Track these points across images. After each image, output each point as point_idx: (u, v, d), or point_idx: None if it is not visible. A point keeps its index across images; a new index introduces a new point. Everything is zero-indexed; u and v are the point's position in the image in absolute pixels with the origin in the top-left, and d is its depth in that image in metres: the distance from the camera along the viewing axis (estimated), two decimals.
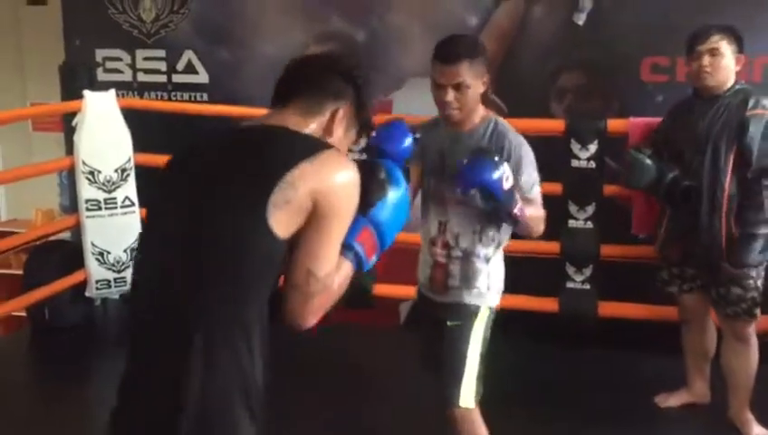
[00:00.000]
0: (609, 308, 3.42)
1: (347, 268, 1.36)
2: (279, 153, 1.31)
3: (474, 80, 2.13)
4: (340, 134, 1.45)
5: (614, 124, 3.37)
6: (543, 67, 3.80)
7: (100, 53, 4.37)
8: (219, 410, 1.26)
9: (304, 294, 1.29)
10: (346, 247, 1.35)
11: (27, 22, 4.70)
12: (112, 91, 3.92)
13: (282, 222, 1.27)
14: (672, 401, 3.06)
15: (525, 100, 3.82)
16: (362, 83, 1.46)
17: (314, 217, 1.29)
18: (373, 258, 1.41)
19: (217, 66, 4.22)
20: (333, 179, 1.30)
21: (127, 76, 4.34)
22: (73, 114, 3.86)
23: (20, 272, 4.10)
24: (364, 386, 3.24)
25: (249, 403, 1.29)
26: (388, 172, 1.45)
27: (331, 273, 1.31)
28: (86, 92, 3.83)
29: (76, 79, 3.98)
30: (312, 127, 1.41)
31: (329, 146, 1.37)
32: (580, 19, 3.68)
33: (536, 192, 2.21)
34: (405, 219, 1.47)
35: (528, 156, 2.19)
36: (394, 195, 1.43)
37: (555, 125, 3.46)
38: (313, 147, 1.33)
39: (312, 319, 1.32)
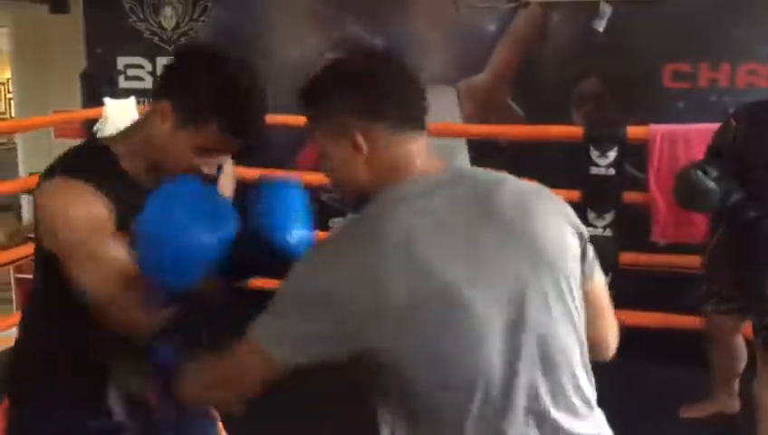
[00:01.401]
0: (627, 317, 3.36)
1: None
2: None
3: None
4: None
5: (634, 131, 3.34)
6: (562, 73, 3.77)
7: (121, 61, 4.41)
8: None
9: None
10: None
11: (50, 30, 4.76)
12: (133, 99, 3.96)
13: None
14: (697, 411, 2.98)
15: (544, 106, 3.79)
16: None
17: None
18: None
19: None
20: None
21: (147, 83, 4.38)
22: (94, 121, 3.90)
23: None
24: None
25: None
26: None
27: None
28: (107, 100, 3.87)
29: (97, 86, 4.03)
30: None
31: None
32: (600, 25, 3.65)
33: None
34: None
35: None
36: None
37: (574, 132, 3.44)
38: None
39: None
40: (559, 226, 1.17)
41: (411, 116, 1.18)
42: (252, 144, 1.37)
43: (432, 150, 1.21)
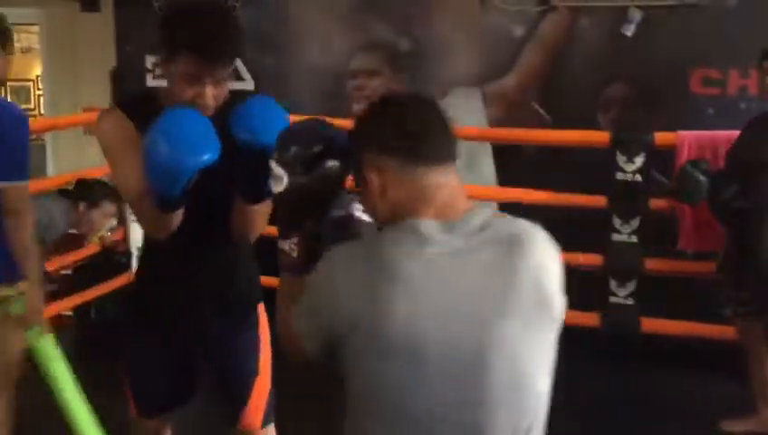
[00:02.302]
0: (652, 324, 3.35)
1: None
2: None
3: None
4: None
5: (662, 137, 3.30)
6: (590, 78, 3.75)
7: (150, 59, 4.45)
8: None
9: None
10: None
11: (81, 28, 4.82)
12: None
13: None
14: (738, 425, 2.90)
15: (571, 111, 3.78)
16: None
17: None
18: None
19: (263, 73, 4.27)
20: None
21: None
22: None
23: (69, 272, 4.20)
24: None
25: None
26: None
27: None
28: None
29: (126, 84, 4.07)
30: None
31: None
32: (629, 30, 3.62)
33: None
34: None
35: None
36: None
37: (601, 137, 3.41)
38: None
39: None
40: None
41: (424, 152, 1.18)
42: (218, 61, 1.57)
43: (462, 190, 1.21)
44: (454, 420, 1.12)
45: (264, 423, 1.92)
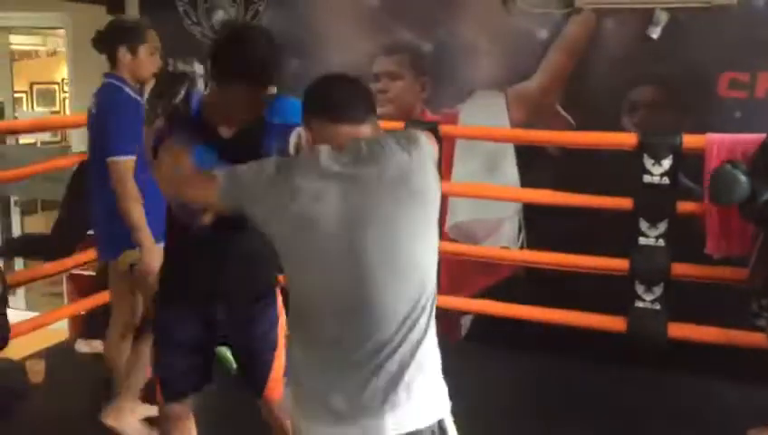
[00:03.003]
0: (680, 330, 3.30)
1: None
2: None
3: None
4: None
5: (690, 140, 3.26)
6: (615, 81, 3.72)
7: (170, 62, 4.49)
8: None
9: None
10: None
11: None
12: None
13: None
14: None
15: (595, 113, 3.75)
16: None
17: None
18: None
19: (287, 76, 4.28)
20: None
21: (200, 85, 4.44)
22: None
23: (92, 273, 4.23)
24: None
25: None
26: None
27: None
28: None
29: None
30: None
31: None
32: (655, 32, 3.59)
33: None
34: None
35: None
36: None
37: (627, 139, 3.38)
38: None
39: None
40: None
41: (337, 114, 1.56)
42: (267, 87, 1.92)
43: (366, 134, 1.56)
44: (340, 291, 1.49)
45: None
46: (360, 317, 1.47)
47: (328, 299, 1.50)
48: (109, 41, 2.81)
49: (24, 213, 5.68)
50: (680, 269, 3.29)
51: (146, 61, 2.81)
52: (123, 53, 2.77)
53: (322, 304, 1.51)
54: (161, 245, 2.33)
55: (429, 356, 1.53)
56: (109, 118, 2.67)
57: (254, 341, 2.08)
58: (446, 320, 3.77)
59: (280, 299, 2.12)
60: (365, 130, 1.56)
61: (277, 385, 2.05)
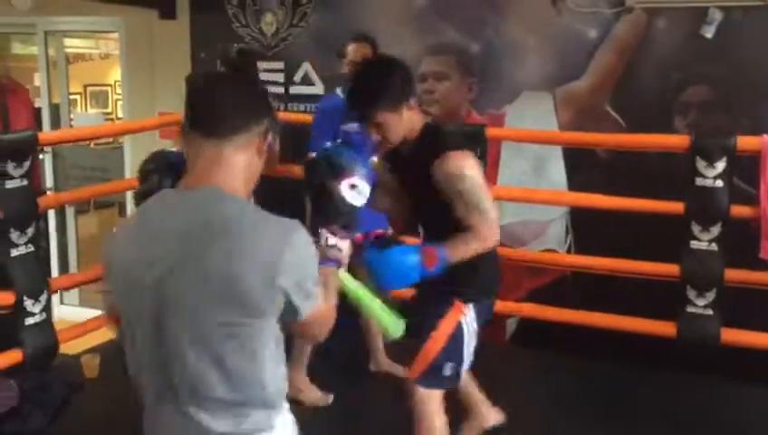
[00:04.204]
0: (733, 335, 3.22)
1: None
2: None
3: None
4: None
5: (745, 142, 3.17)
6: (666, 81, 3.65)
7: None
8: None
9: None
10: None
11: (159, 35, 4.96)
12: None
13: None
14: None
15: (646, 115, 3.69)
16: None
17: None
18: None
19: (332, 77, 4.31)
20: None
21: None
22: None
23: None
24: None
25: None
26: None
27: None
28: None
29: None
30: None
31: None
32: (709, 31, 3.51)
33: None
34: None
35: None
36: None
37: (679, 141, 3.30)
38: None
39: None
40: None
41: (197, 125, 1.35)
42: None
43: (225, 165, 1.34)
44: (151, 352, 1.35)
45: None
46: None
47: None
48: None
49: (78, 212, 5.82)
50: (734, 274, 3.21)
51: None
52: None
53: None
54: None
55: None
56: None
57: None
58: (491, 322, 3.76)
59: None
60: (228, 149, 1.33)
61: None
